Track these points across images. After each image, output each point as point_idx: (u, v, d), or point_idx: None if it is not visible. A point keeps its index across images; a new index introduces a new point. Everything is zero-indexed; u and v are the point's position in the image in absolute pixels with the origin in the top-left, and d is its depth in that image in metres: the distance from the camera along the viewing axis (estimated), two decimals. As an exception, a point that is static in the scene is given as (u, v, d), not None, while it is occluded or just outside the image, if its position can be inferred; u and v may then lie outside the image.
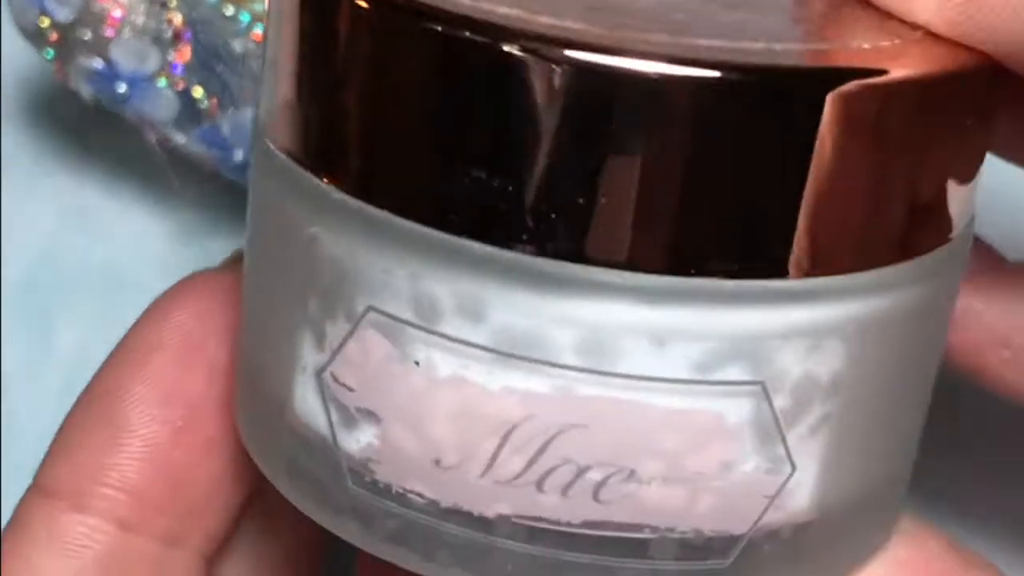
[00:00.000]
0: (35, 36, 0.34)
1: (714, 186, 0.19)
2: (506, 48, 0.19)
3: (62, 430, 0.27)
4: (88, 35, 0.33)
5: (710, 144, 0.19)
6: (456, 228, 0.20)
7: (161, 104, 0.34)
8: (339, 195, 0.21)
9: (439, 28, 0.20)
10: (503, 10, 0.20)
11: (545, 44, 0.19)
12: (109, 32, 0.34)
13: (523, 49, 0.19)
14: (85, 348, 0.36)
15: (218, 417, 0.26)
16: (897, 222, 0.21)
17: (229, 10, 0.34)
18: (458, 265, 0.20)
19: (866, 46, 0.20)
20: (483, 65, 0.19)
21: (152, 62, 0.34)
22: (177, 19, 0.34)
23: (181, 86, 0.34)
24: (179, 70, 0.34)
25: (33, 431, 0.34)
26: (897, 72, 0.20)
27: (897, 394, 0.22)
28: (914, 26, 0.21)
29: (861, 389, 0.21)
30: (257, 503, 0.29)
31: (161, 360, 0.26)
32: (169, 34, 0.34)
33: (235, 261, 0.27)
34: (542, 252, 0.20)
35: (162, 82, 0.34)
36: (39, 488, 0.26)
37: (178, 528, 0.27)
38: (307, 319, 0.21)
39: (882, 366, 0.21)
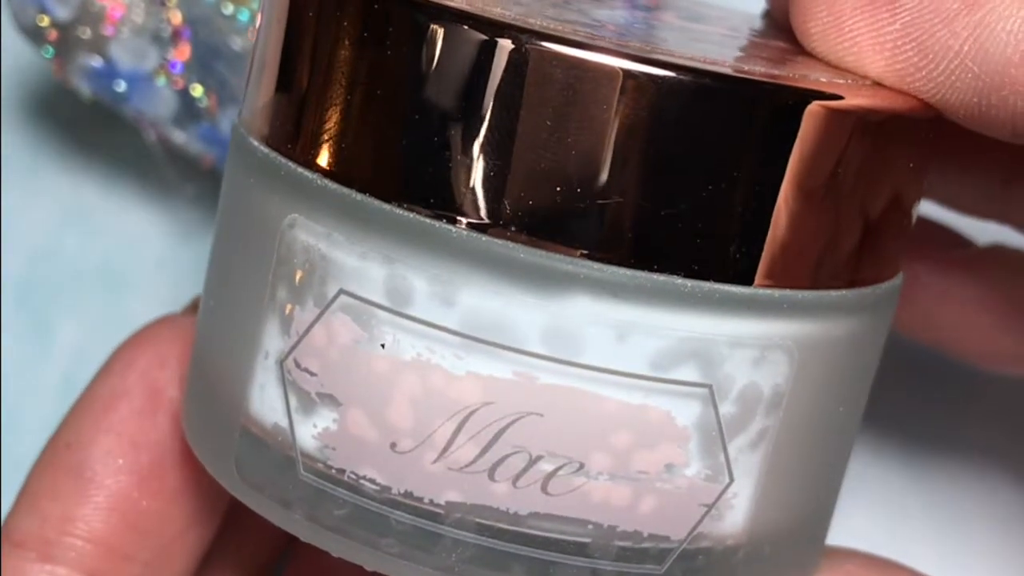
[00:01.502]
0: (34, 34, 0.34)
1: (681, 187, 0.20)
2: (483, 37, 0.20)
3: (29, 480, 0.27)
4: (87, 33, 0.33)
5: (679, 145, 0.20)
6: (433, 212, 0.20)
7: (160, 102, 0.34)
8: (320, 181, 0.21)
9: (416, 18, 0.20)
10: (481, 5, 0.21)
11: (524, 35, 0.20)
12: (108, 30, 0.34)
13: (499, 38, 0.20)
14: (84, 346, 0.37)
15: (183, 462, 0.27)
16: (853, 248, 0.22)
17: (228, 8, 0.34)
18: (433, 249, 0.20)
19: (823, 79, 0.21)
20: (456, 54, 0.20)
21: (151, 60, 0.34)
22: (176, 17, 0.34)
23: (180, 84, 0.34)
24: (178, 68, 0.34)
25: (33, 430, 0.34)
26: (853, 101, 0.21)
27: (831, 422, 0.23)
28: (865, 78, 0.22)
29: (800, 410, 0.22)
30: (222, 540, 0.29)
31: (125, 408, 0.27)
32: (168, 32, 0.34)
33: (195, 307, 0.28)
34: (515, 239, 0.20)
35: (161, 80, 0.34)
36: (7, 538, 0.27)
37: (146, 574, 0.27)
38: (274, 306, 0.22)
39: (821, 389, 0.22)
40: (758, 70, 0.21)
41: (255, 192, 0.22)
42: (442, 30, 0.20)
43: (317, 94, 0.21)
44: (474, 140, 0.20)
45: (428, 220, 0.20)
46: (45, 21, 0.34)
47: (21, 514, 0.27)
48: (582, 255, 0.20)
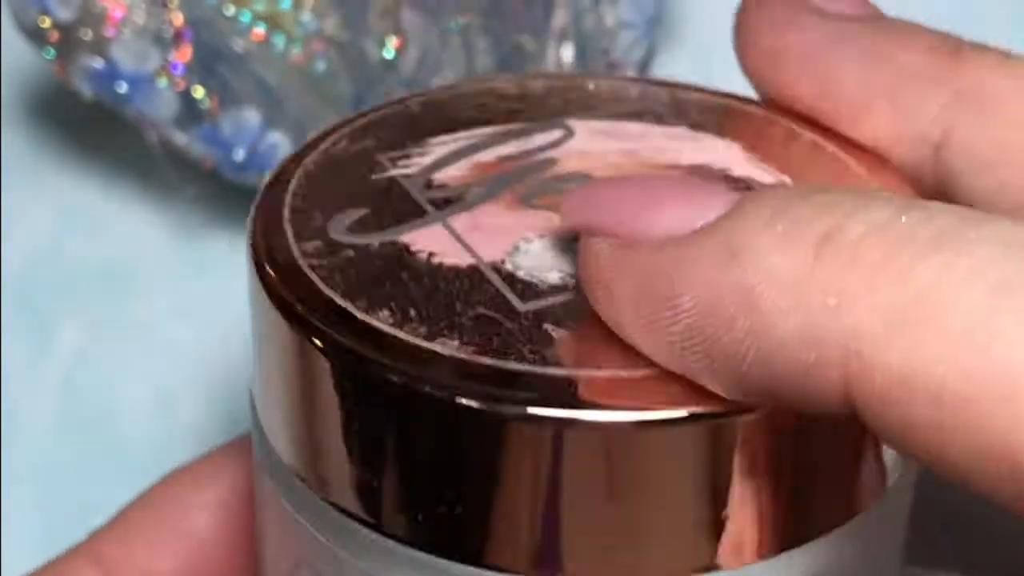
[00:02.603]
0: (36, 35, 0.34)
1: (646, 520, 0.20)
2: (455, 399, 0.19)
3: (132, 506, 0.28)
4: (89, 35, 0.34)
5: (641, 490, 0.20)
6: (431, 549, 0.20)
7: (161, 104, 0.34)
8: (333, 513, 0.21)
9: (390, 377, 0.20)
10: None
11: (494, 397, 0.19)
12: (110, 32, 0.34)
13: (470, 399, 0.19)
14: (84, 347, 0.37)
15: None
16: (808, 509, 0.21)
17: (230, 10, 0.34)
18: None
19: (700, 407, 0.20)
20: (431, 415, 0.20)
21: (153, 62, 0.34)
22: (178, 19, 0.34)
23: (182, 86, 0.34)
24: (179, 70, 0.34)
25: (33, 431, 0.34)
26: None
27: None
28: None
29: None
30: None
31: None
32: (170, 34, 0.34)
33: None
34: None
35: (163, 82, 0.34)
36: (90, 551, 0.27)
37: None
38: None
39: None
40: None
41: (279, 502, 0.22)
42: (415, 399, 0.20)
43: (325, 444, 0.21)
44: (464, 488, 0.20)
45: (428, 556, 0.20)
46: (46, 22, 0.34)
47: (113, 537, 0.27)
48: None
